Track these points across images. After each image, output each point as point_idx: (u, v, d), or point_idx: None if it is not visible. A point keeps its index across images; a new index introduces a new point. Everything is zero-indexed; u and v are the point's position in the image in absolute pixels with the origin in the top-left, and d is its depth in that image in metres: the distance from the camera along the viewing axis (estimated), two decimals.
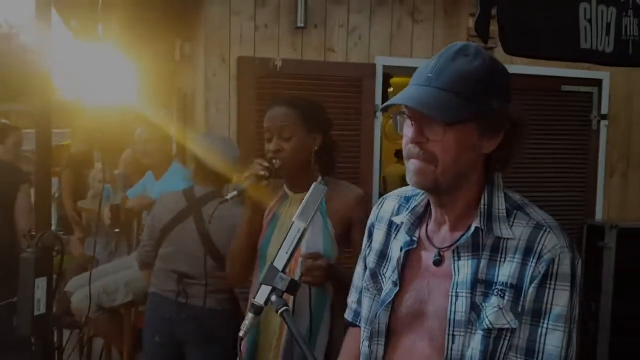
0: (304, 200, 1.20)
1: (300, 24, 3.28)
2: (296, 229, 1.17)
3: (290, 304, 1.79)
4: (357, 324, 1.39)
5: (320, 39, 3.40)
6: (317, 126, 1.91)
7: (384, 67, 3.47)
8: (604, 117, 3.90)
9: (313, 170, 1.93)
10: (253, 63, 3.24)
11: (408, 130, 1.13)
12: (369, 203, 1.92)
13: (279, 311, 1.10)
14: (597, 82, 3.87)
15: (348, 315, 1.44)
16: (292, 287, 1.12)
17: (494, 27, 3.39)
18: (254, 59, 3.25)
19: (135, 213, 3.80)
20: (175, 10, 3.70)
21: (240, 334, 1.13)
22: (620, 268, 3.67)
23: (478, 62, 1.10)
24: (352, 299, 1.43)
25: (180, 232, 2.54)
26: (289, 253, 1.15)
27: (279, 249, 1.16)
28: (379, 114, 3.49)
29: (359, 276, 1.40)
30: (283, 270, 1.14)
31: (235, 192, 1.81)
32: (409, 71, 3.60)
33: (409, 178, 1.16)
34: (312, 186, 1.21)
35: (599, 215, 3.94)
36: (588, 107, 3.91)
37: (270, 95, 3.22)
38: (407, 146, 1.14)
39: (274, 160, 1.85)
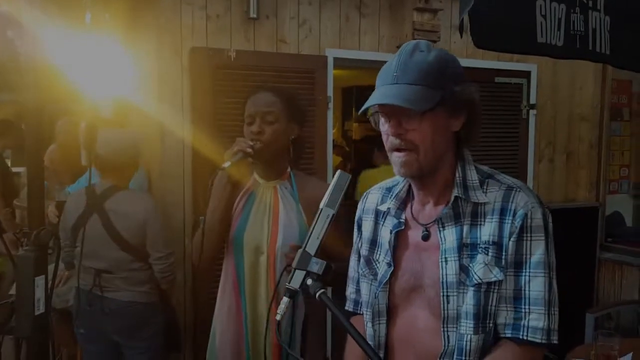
0: (330, 188, 1.24)
1: (253, 14, 3.27)
2: (325, 215, 1.21)
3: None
4: (359, 311, 1.49)
5: (272, 30, 3.40)
6: (296, 116, 1.96)
7: (335, 59, 3.54)
8: (532, 106, 4.21)
9: (285, 160, 1.98)
10: (207, 54, 3.19)
11: (385, 126, 1.27)
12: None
13: (317, 294, 1.14)
14: (527, 74, 4.16)
15: (349, 306, 1.53)
16: (327, 270, 1.17)
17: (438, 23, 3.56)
18: (207, 49, 3.20)
19: None
20: None
21: (277, 317, 1.16)
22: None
23: (433, 55, 1.25)
24: (350, 290, 1.53)
25: (88, 231, 2.55)
26: (320, 238, 1.20)
27: (310, 235, 1.20)
28: (331, 106, 3.56)
29: (353, 269, 1.50)
30: (315, 255, 1.18)
31: (229, 163, 1.82)
32: (358, 64, 3.71)
33: (396, 170, 1.29)
34: (338, 173, 1.27)
35: (540, 198, 4.24)
36: (518, 97, 4.19)
37: (224, 87, 3.21)
38: (388, 140, 1.27)
39: (253, 143, 1.87)
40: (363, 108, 1.26)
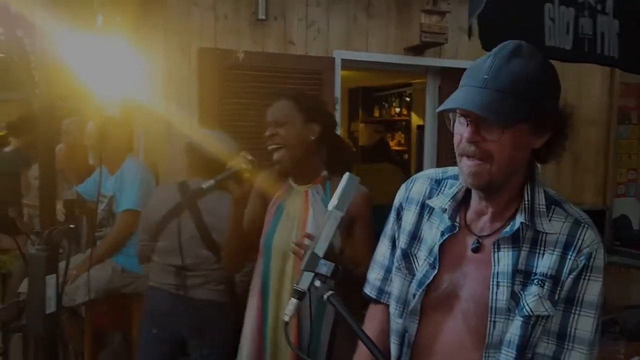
0: (338, 190, 1.24)
1: (261, 16, 3.28)
2: (334, 218, 1.22)
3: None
4: (382, 300, 1.43)
5: (280, 32, 3.42)
6: (313, 116, 1.94)
7: (342, 60, 3.55)
8: None
9: (315, 164, 1.97)
10: (215, 55, 3.21)
11: (462, 129, 1.16)
12: (370, 200, 1.96)
13: (326, 296, 1.14)
14: None
15: (370, 291, 1.46)
16: (336, 272, 1.17)
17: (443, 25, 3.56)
18: (215, 50, 3.22)
19: (89, 210, 3.67)
20: None
21: (285, 319, 1.17)
22: None
23: (533, 64, 1.12)
24: (374, 275, 1.45)
25: (176, 226, 2.50)
26: (329, 240, 1.20)
27: (319, 237, 1.21)
28: (339, 107, 3.57)
29: (382, 254, 1.43)
30: (324, 257, 1.19)
31: (212, 182, 1.82)
32: (366, 65, 3.71)
33: (463, 179, 1.20)
34: (346, 176, 1.26)
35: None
36: None
37: (232, 87, 3.23)
38: (461, 144, 1.16)
39: (269, 147, 1.89)
40: (443, 108, 1.16)
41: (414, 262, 1.34)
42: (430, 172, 1.40)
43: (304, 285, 1.17)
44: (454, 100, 1.14)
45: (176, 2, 3.17)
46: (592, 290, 1.19)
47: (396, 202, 1.41)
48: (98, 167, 3.49)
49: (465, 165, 1.17)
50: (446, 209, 1.29)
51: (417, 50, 3.72)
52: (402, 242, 1.37)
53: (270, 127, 1.91)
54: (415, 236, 1.35)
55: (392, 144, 7.10)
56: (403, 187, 1.41)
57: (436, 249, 1.29)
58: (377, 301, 1.46)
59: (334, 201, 1.23)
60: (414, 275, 1.33)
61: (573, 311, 1.20)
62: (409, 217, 1.37)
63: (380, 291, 1.45)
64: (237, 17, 3.30)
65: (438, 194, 1.33)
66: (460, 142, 1.17)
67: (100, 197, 3.25)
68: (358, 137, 8.22)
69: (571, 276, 1.18)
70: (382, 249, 1.45)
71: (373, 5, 3.67)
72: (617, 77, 4.40)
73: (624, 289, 4.35)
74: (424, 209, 1.35)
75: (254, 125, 2.05)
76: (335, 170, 2.00)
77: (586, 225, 1.20)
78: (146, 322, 2.61)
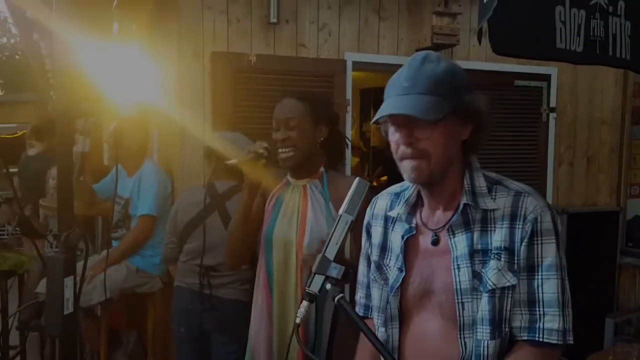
0: (349, 194, 1.28)
1: (273, 19, 3.31)
2: (344, 222, 1.25)
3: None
4: (369, 316, 1.52)
5: (292, 35, 3.44)
6: (322, 118, 2.01)
7: (354, 62, 3.57)
8: (552, 110, 4.18)
9: (316, 161, 2.02)
10: (227, 58, 3.25)
11: (395, 136, 1.29)
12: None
13: (336, 298, 1.17)
14: (547, 78, 4.13)
15: (358, 310, 1.56)
16: (346, 275, 1.20)
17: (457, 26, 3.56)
18: (228, 54, 3.26)
19: (103, 210, 3.73)
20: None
21: (297, 321, 1.20)
22: (570, 251, 3.95)
23: (442, 65, 1.28)
24: (359, 295, 1.56)
25: (206, 227, 2.60)
26: (339, 244, 1.23)
27: (329, 240, 1.24)
28: (350, 109, 3.59)
29: (363, 274, 1.54)
30: (334, 260, 1.21)
31: (235, 160, 1.94)
32: (377, 67, 3.73)
33: (406, 176, 1.32)
34: (356, 181, 1.30)
35: (549, 202, 4.21)
36: (538, 100, 4.17)
37: (244, 91, 3.26)
38: (399, 149, 1.30)
39: (280, 150, 1.95)
40: (375, 119, 1.29)
41: (387, 271, 1.42)
42: (389, 188, 1.53)
43: (315, 287, 1.21)
44: (383, 110, 1.27)
45: (189, 7, 3.21)
46: (547, 252, 1.25)
47: (365, 222, 1.53)
48: (114, 167, 3.56)
49: (406, 164, 1.29)
50: (401, 214, 1.40)
51: None
52: (374, 256, 1.47)
53: (279, 128, 1.95)
54: (384, 247, 1.45)
55: None
56: (368, 207, 1.53)
57: (400, 252, 1.38)
58: (365, 317, 1.53)
59: (344, 205, 1.27)
60: (389, 283, 1.40)
61: (536, 277, 1.26)
62: (377, 232, 1.48)
63: (367, 307, 1.53)
64: (249, 21, 3.33)
65: (397, 205, 1.43)
66: (398, 148, 1.30)
67: (117, 198, 3.31)
68: (370, 138, 8.24)
69: (524, 244, 1.26)
70: (361, 268, 1.55)
71: (384, 8, 3.68)
72: (630, 78, 4.37)
73: (637, 291, 4.33)
74: (387, 222, 1.46)
75: (266, 128, 2.08)
76: (331, 165, 2.06)
77: (526, 194, 1.29)
78: (175, 322, 2.71)
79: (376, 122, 1.32)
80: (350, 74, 3.55)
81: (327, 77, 3.48)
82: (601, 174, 4.43)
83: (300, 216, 1.95)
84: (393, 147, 1.31)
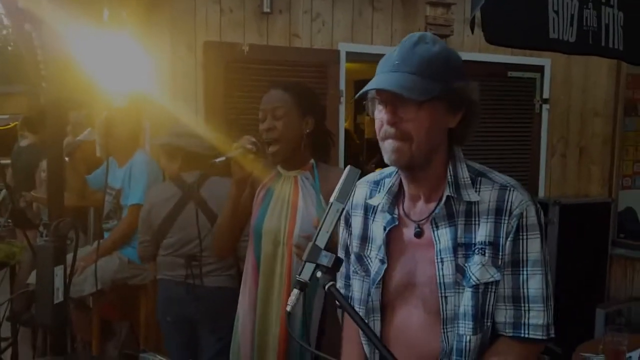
0: (340, 182, 1.26)
1: (266, 9, 3.29)
2: (335, 210, 1.23)
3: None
4: None
5: (285, 25, 3.43)
6: (309, 110, 2.00)
7: (347, 53, 3.55)
8: (545, 101, 4.19)
9: (305, 152, 2.01)
10: (220, 48, 3.23)
11: (381, 114, 1.25)
12: None
13: (327, 286, 1.17)
14: (540, 69, 4.14)
15: None
16: (337, 263, 1.20)
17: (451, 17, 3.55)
18: (220, 43, 3.24)
19: (94, 201, 3.71)
20: None
21: (288, 309, 1.19)
22: (561, 242, 3.98)
23: (437, 47, 1.23)
24: (338, 285, 1.49)
25: (184, 220, 2.62)
26: (329, 232, 1.22)
27: (320, 228, 1.23)
28: (343, 100, 3.58)
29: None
30: (325, 248, 1.21)
31: (223, 157, 1.90)
32: (370, 57, 3.73)
33: (387, 157, 1.27)
34: (347, 169, 1.28)
35: (541, 193, 4.24)
36: (531, 92, 4.17)
37: (237, 81, 3.25)
38: (382, 128, 1.26)
39: (266, 138, 1.94)
40: (360, 93, 1.24)
41: (368, 262, 1.39)
42: (368, 176, 1.48)
43: (305, 276, 1.20)
44: (369, 84, 1.23)
45: None
46: (533, 248, 1.24)
47: (344, 212, 1.45)
48: (106, 159, 3.54)
49: (388, 144, 1.25)
50: (383, 204, 1.36)
51: None
52: (354, 247, 1.44)
53: (266, 118, 1.94)
54: (365, 238, 1.41)
55: None
56: None
57: (382, 244, 1.34)
58: None
59: (335, 193, 1.26)
60: (370, 275, 1.38)
61: (520, 272, 1.25)
62: (357, 222, 1.44)
63: (346, 299, 1.47)
64: (242, 11, 3.31)
65: (378, 193, 1.39)
66: (381, 127, 1.26)
67: (108, 189, 3.29)
68: (364, 130, 8.23)
69: (509, 239, 1.24)
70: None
71: None
72: (623, 69, 4.38)
73: (628, 282, 4.36)
74: (367, 211, 1.42)
75: (258, 118, 2.07)
76: (321, 156, 2.05)
77: (512, 188, 1.26)
78: (160, 311, 2.72)
79: (362, 99, 1.27)
80: (344, 64, 3.54)
81: (321, 68, 3.47)
82: (593, 166, 4.45)
83: (291, 207, 1.94)
84: (377, 125, 1.27)
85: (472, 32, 1.90)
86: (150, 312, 3.25)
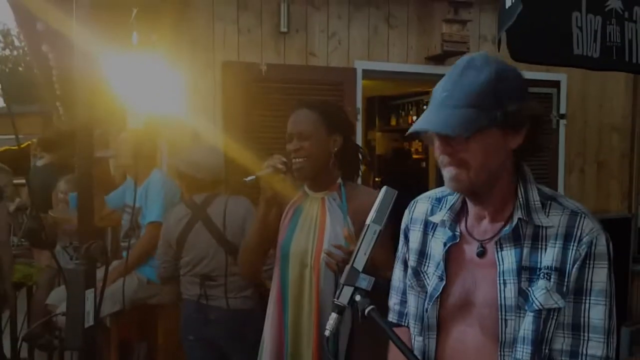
0: (376, 204, 1.25)
1: (283, 28, 3.31)
2: (372, 231, 1.22)
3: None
4: (402, 323, 1.46)
5: (302, 44, 3.44)
6: (336, 128, 1.97)
7: (363, 71, 3.56)
8: (562, 116, 4.16)
9: (333, 172, 1.99)
10: (238, 68, 3.24)
11: (437, 143, 1.25)
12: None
13: (367, 310, 1.14)
14: (556, 84, 4.12)
15: (392, 317, 1.50)
16: (377, 286, 1.18)
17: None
18: (239, 63, 3.25)
19: (112, 220, 3.71)
20: None
21: (326, 333, 1.17)
22: None
23: (485, 72, 1.19)
24: (393, 301, 1.50)
25: (194, 239, 2.65)
26: (368, 254, 1.21)
27: (357, 250, 1.21)
28: (360, 117, 3.58)
29: (398, 278, 1.48)
30: (363, 271, 1.19)
31: (253, 177, 1.89)
32: (386, 75, 3.72)
33: (447, 184, 1.26)
34: (384, 189, 1.27)
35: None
36: (548, 107, 4.15)
37: (256, 100, 3.25)
38: (440, 157, 1.25)
39: (294, 160, 1.92)
40: (408, 132, 1.25)
41: (425, 278, 1.37)
42: (430, 192, 1.47)
43: (344, 299, 1.18)
44: (418, 123, 1.23)
45: (202, 18, 3.21)
46: (599, 277, 1.20)
47: (402, 225, 1.47)
48: (126, 179, 3.56)
49: (447, 172, 1.24)
50: (445, 221, 1.34)
51: (438, 59, 3.72)
52: (411, 261, 1.42)
53: (293, 139, 1.92)
54: (423, 253, 1.39)
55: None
56: (407, 210, 1.47)
57: (442, 260, 1.32)
58: (399, 325, 1.48)
59: (371, 214, 1.24)
60: (427, 291, 1.35)
61: (583, 301, 1.21)
62: (415, 237, 1.42)
63: (400, 314, 1.48)
64: (260, 30, 3.33)
65: (439, 211, 1.38)
66: (439, 156, 1.25)
67: (126, 208, 3.29)
68: (375, 146, 8.24)
69: (575, 266, 1.20)
70: (397, 273, 1.49)
71: (394, 16, 3.68)
72: None
73: None
74: (427, 227, 1.40)
75: (278, 137, 2.06)
76: (348, 176, 2.02)
77: (583, 215, 1.23)
78: (183, 330, 2.73)
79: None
80: (360, 82, 3.54)
81: (338, 86, 3.47)
82: (612, 180, 4.41)
83: (318, 229, 1.92)
84: (436, 154, 1.26)
85: (499, 50, 1.89)
86: (169, 333, 3.22)
